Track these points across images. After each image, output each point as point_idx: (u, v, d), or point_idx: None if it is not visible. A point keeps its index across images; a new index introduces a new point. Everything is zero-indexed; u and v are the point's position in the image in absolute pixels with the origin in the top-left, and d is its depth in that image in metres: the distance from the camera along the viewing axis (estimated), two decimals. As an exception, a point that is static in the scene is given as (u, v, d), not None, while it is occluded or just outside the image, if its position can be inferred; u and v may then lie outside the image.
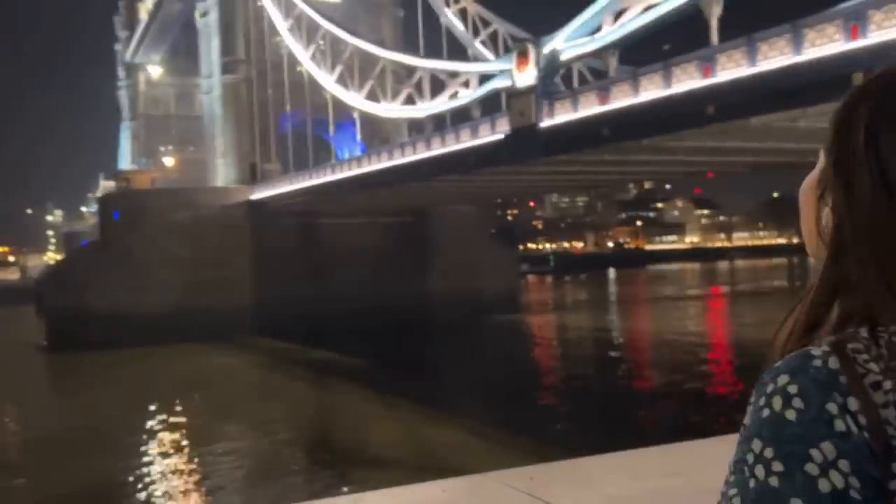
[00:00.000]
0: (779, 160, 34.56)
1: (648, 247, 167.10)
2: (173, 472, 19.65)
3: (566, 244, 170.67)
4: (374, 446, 21.05)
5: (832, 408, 0.66)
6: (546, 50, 32.01)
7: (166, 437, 23.37)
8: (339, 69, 51.48)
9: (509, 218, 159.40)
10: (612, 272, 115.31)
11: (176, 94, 74.31)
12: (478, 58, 45.37)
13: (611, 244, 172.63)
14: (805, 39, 21.44)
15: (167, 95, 74.34)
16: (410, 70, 46.13)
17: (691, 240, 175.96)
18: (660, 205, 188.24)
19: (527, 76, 32.19)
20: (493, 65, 38.32)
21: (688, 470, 1.66)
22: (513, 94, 32.93)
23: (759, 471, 0.66)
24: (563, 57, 31.83)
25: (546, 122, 30.70)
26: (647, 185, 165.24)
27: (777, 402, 0.68)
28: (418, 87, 44.79)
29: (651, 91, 26.11)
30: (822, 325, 0.74)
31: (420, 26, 53.14)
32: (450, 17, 49.92)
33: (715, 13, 25.69)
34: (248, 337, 45.57)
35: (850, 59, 20.04)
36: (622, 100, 27.24)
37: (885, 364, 0.66)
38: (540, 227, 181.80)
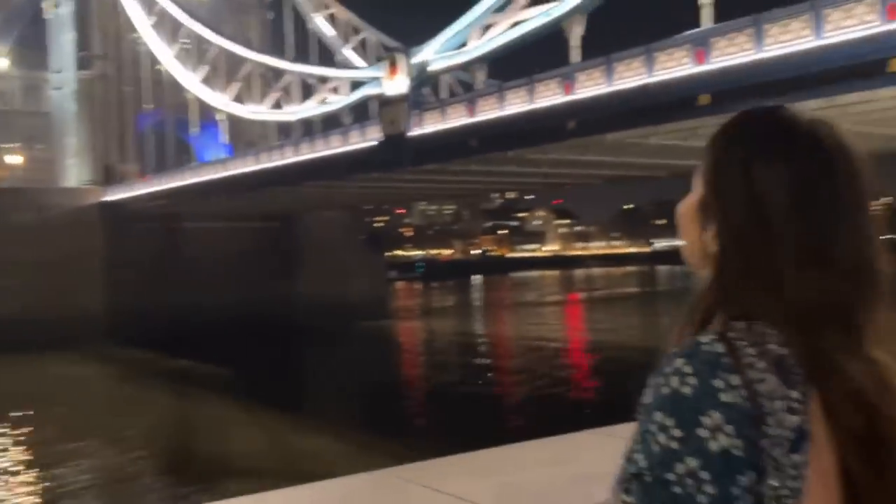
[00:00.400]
0: (631, 174, 36.77)
1: (511, 255, 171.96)
2: (14, 494, 18.33)
3: (434, 251, 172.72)
4: (240, 456, 20.58)
5: (719, 383, 0.81)
6: (416, 60, 32.55)
7: (6, 454, 21.74)
8: (204, 69, 49.92)
9: (378, 225, 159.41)
10: (477, 279, 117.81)
11: (22, 87, 69.33)
12: (347, 64, 45.34)
13: (476, 252, 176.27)
14: (657, 62, 23.03)
15: (13, 89, 69.21)
16: (278, 73, 45.45)
17: (551, 248, 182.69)
18: (522, 214, 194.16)
19: (397, 85, 32.59)
20: (364, 72, 38.49)
21: (566, 459, 1.93)
22: (384, 102, 33.24)
23: (662, 437, 0.82)
24: (433, 68, 32.48)
25: (416, 131, 31.20)
26: (510, 195, 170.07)
27: (675, 381, 0.83)
28: (286, 90, 44.22)
29: (516, 105, 27.14)
30: (710, 325, 0.93)
31: (288, 30, 52.45)
32: (319, 22, 49.60)
33: (576, 33, 27.08)
34: (101, 346, 43.14)
35: (697, 82, 21.75)
36: (489, 112, 28.14)
37: (758, 349, 0.84)
38: (408, 234, 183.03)
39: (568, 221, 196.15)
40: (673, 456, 0.80)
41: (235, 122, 50.56)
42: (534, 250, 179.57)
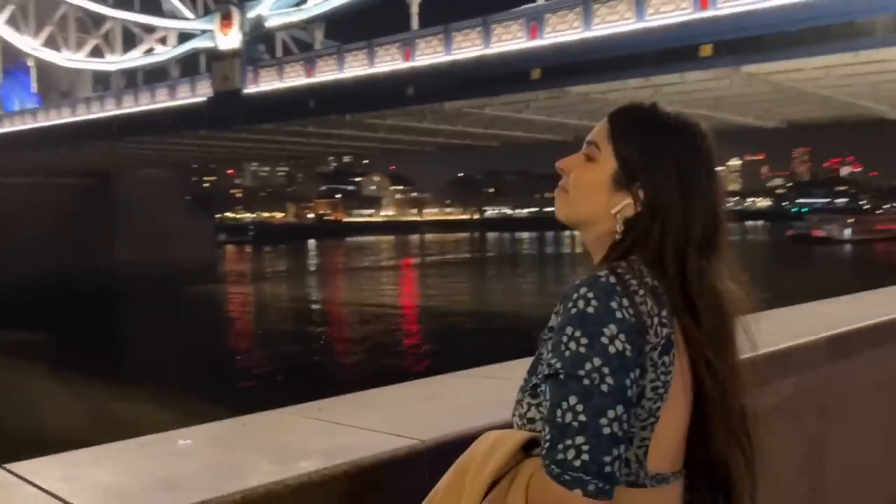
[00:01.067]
0: (466, 142, 37.71)
1: (347, 219, 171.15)
2: None
3: (266, 215, 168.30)
4: (58, 428, 19.39)
5: (614, 304, 1.06)
6: (251, 14, 31.38)
7: None
8: (9, 9, 45.27)
9: (206, 185, 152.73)
10: (312, 243, 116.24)
11: None
12: (174, 14, 42.80)
13: (311, 216, 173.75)
14: (493, 34, 23.70)
15: None
16: (98, 19, 42.11)
17: (387, 213, 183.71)
18: (358, 179, 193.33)
19: (231, 39, 31.30)
20: (194, 23, 36.54)
21: (442, 395, 2.12)
22: (215, 56, 31.82)
23: (572, 345, 1.05)
24: (269, 24, 31.47)
25: (251, 89, 30.20)
26: (346, 158, 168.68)
27: (581, 303, 1.07)
28: (107, 38, 41.14)
29: (356, 68, 26.97)
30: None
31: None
32: (143, -34, 46.39)
33: (416, 0, 27.21)
34: None
35: (530, 57, 22.63)
36: (328, 73, 27.76)
37: (638, 280, 1.10)
38: (239, 195, 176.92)
39: (403, 187, 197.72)
40: (582, 358, 1.04)
41: (46, 71, 46.40)
42: (370, 215, 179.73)
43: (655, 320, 1.10)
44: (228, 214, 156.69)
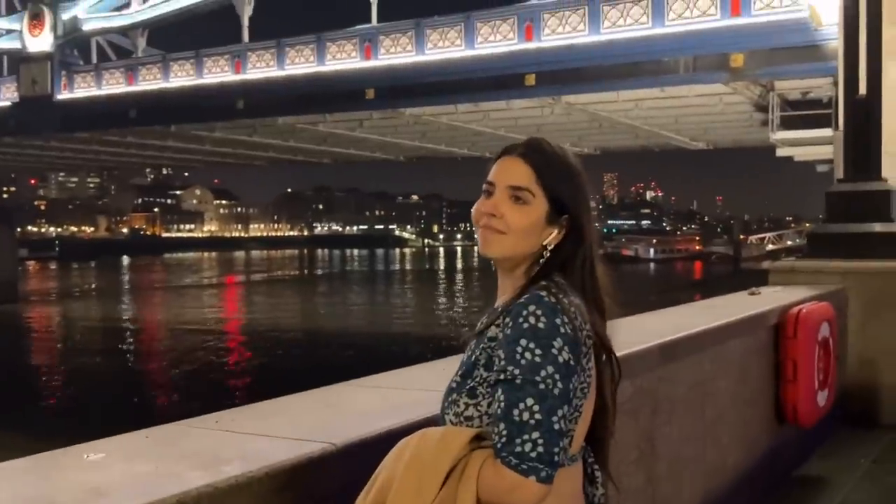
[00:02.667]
0: (298, 158, 37.28)
1: (166, 234, 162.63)
2: None
3: (74, 228, 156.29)
4: None
5: (558, 321, 1.25)
6: (66, 16, 29.34)
7: None
8: None
9: (5, 196, 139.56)
10: (126, 259, 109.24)
11: None
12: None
13: (125, 230, 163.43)
14: (328, 51, 23.74)
15: None
16: None
17: (210, 229, 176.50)
18: (178, 192, 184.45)
19: (41, 41, 29.07)
20: (-2, 21, 33.58)
21: (336, 403, 2.22)
22: (23, 59, 29.42)
23: (528, 355, 1.23)
24: (86, 27, 29.55)
25: (64, 95, 28.18)
26: (165, 170, 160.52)
27: (532, 319, 1.25)
28: None
29: (183, 78, 25.97)
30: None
31: None
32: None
33: (247, 12, 26.69)
34: None
35: (365, 76, 22.90)
36: (152, 82, 26.52)
37: (568, 299, 1.29)
38: (43, 207, 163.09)
39: (227, 202, 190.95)
40: (538, 366, 1.24)
41: None
42: (190, 231, 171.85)
43: (583, 332, 1.31)
44: (31, 228, 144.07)
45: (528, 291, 1.34)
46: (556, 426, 1.23)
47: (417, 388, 2.32)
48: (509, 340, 1.27)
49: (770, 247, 69.27)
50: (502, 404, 1.24)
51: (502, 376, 1.26)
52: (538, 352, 1.24)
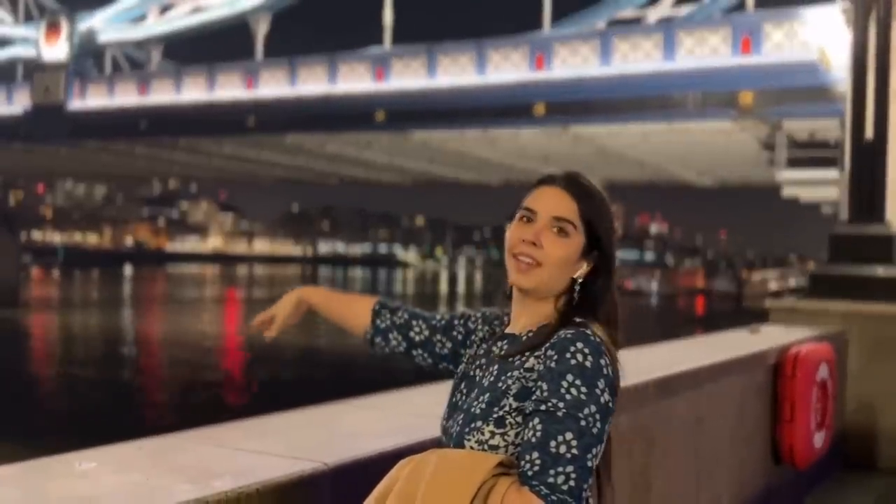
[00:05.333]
0: (304, 176, 37.48)
1: (170, 247, 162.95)
2: None
3: (79, 236, 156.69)
4: None
5: (603, 362, 1.25)
6: (82, 27, 29.68)
7: None
8: None
9: (11, 201, 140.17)
10: (128, 270, 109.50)
11: None
12: (-8, 16, 39.64)
13: (130, 241, 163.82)
14: (339, 72, 23.94)
15: None
16: None
17: (214, 243, 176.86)
18: (185, 205, 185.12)
19: (57, 51, 29.39)
20: (15, 29, 33.98)
21: (332, 423, 2.21)
22: (37, 67, 29.71)
23: (573, 391, 1.23)
24: (102, 39, 29.89)
25: (76, 104, 28.41)
26: (172, 183, 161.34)
27: (580, 357, 1.24)
28: None
29: (195, 92, 26.19)
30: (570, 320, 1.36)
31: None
32: (-43, -39, 42.62)
33: (261, 30, 26.97)
34: None
35: (375, 99, 23.06)
36: (164, 95, 26.74)
37: (606, 337, 1.29)
38: (49, 215, 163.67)
39: (232, 217, 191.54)
40: (582, 403, 1.24)
41: None
42: (195, 244, 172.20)
43: (619, 374, 1.32)
44: (36, 234, 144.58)
45: (565, 326, 1.34)
46: (589, 463, 1.24)
47: (412, 411, 2.32)
48: (555, 374, 1.27)
49: (773, 285, 69.14)
50: (539, 434, 1.25)
51: (543, 407, 1.26)
52: (584, 389, 1.24)
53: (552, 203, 1.40)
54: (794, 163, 20.16)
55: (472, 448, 1.34)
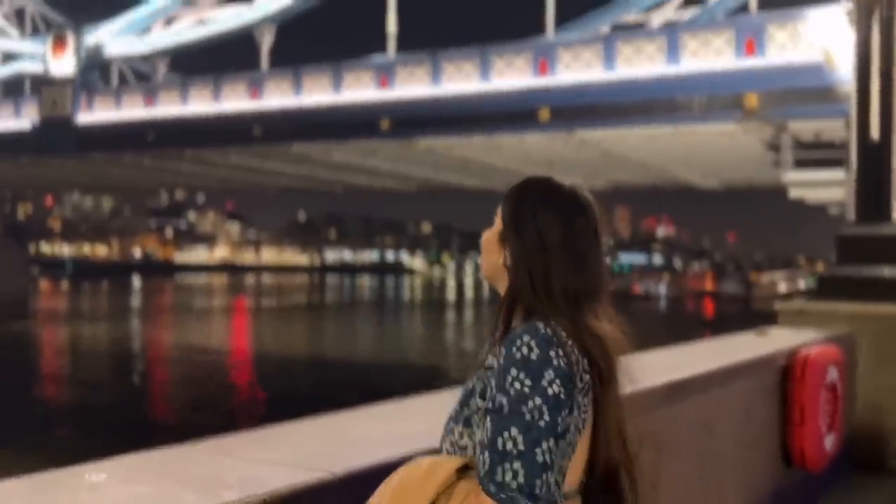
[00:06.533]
0: (310, 185, 37.57)
1: (178, 257, 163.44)
2: None
3: (87, 248, 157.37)
4: None
5: (552, 353, 1.24)
6: (89, 40, 29.87)
7: None
8: None
9: (20, 214, 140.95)
10: (137, 281, 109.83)
11: None
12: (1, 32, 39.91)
13: (138, 252, 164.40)
14: (344, 81, 24.02)
15: None
16: None
17: (221, 253, 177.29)
18: (192, 216, 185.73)
19: (64, 64, 29.57)
20: (22, 44, 34.24)
21: (341, 431, 2.22)
22: (45, 81, 29.90)
23: (517, 385, 1.22)
24: (109, 52, 30.07)
25: (84, 117, 28.58)
26: (179, 194, 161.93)
27: (525, 350, 1.24)
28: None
29: (201, 103, 26.31)
30: (514, 317, 1.37)
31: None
32: (-36, -23, 42.94)
33: (266, 41, 27.10)
34: None
35: (380, 107, 23.13)
36: (170, 106, 26.87)
37: (566, 333, 1.27)
38: (57, 227, 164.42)
39: (239, 226, 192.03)
40: (525, 397, 1.23)
41: None
42: (203, 254, 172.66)
43: (580, 367, 1.30)
44: (45, 247, 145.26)
45: (505, 322, 1.35)
46: (540, 458, 1.22)
47: (419, 419, 2.33)
48: (501, 370, 1.27)
49: (782, 287, 68.85)
50: (488, 433, 1.24)
51: (491, 405, 1.26)
52: (527, 382, 1.23)
53: None
54: (800, 164, 20.11)
55: (446, 450, 1.36)
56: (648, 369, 3.69)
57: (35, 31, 36.73)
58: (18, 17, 42.32)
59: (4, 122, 30.63)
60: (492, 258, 1.45)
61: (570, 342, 1.30)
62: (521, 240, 1.40)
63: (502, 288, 1.44)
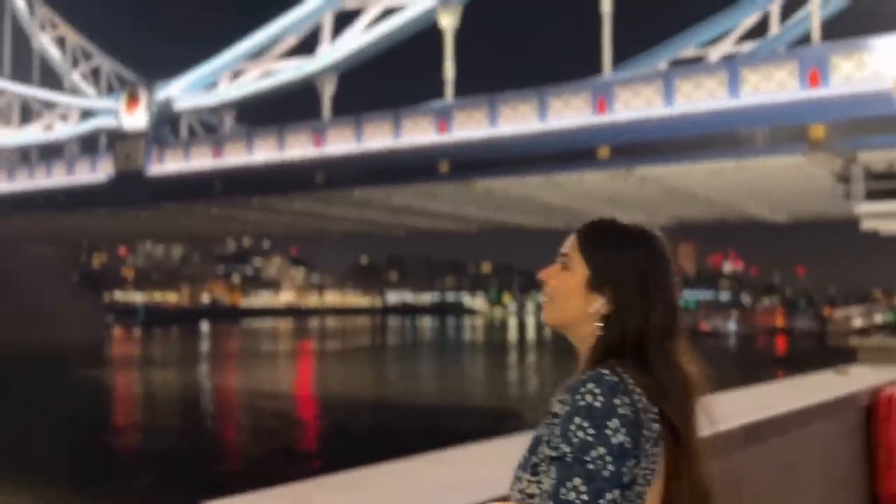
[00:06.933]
0: (371, 229, 38.06)
1: (244, 302, 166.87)
2: None
3: (158, 295, 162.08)
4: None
5: (617, 401, 1.22)
6: (160, 96, 31.20)
7: None
8: None
9: (95, 264, 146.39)
10: (205, 326, 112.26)
11: None
12: (76, 90, 42.00)
13: (206, 298, 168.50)
14: (404, 127, 24.44)
15: None
16: (-8, 92, 40.82)
17: (286, 297, 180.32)
18: (258, 261, 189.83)
19: (136, 119, 30.91)
20: (98, 102, 35.96)
21: (413, 479, 2.21)
22: (118, 136, 31.28)
23: (580, 433, 1.20)
24: (178, 106, 31.33)
25: (155, 169, 29.72)
26: (245, 241, 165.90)
27: (589, 397, 1.22)
28: (3, 111, 39.80)
29: (266, 152, 27.08)
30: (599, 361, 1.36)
31: (7, 47, 47.32)
32: (44, 42, 45.44)
33: (328, 91, 27.83)
34: None
35: (439, 150, 23.41)
36: (237, 156, 27.74)
37: (635, 379, 1.26)
38: (130, 276, 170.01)
39: (303, 271, 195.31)
40: (589, 445, 1.22)
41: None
42: (268, 299, 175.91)
43: (649, 415, 1.27)
44: (118, 294, 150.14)
45: (594, 369, 1.32)
46: None
47: (489, 465, 2.31)
48: (565, 418, 1.26)
49: (858, 322, 66.20)
50: (552, 481, 1.24)
51: (555, 454, 1.26)
52: (591, 431, 1.22)
53: (564, 244, 1.46)
54: (872, 195, 19.47)
55: (515, 497, 1.35)
56: (724, 410, 3.59)
57: (110, 89, 38.54)
58: (94, 76, 44.56)
59: (81, 176, 32.05)
60: (571, 305, 1.42)
61: (637, 390, 1.28)
62: (622, 287, 1.39)
63: (576, 334, 1.42)
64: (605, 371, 1.29)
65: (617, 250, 1.42)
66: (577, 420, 1.23)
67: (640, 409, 1.26)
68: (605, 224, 1.47)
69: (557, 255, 1.46)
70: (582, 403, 1.24)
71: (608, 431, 1.22)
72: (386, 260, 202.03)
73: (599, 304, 1.39)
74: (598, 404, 1.23)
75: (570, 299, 1.42)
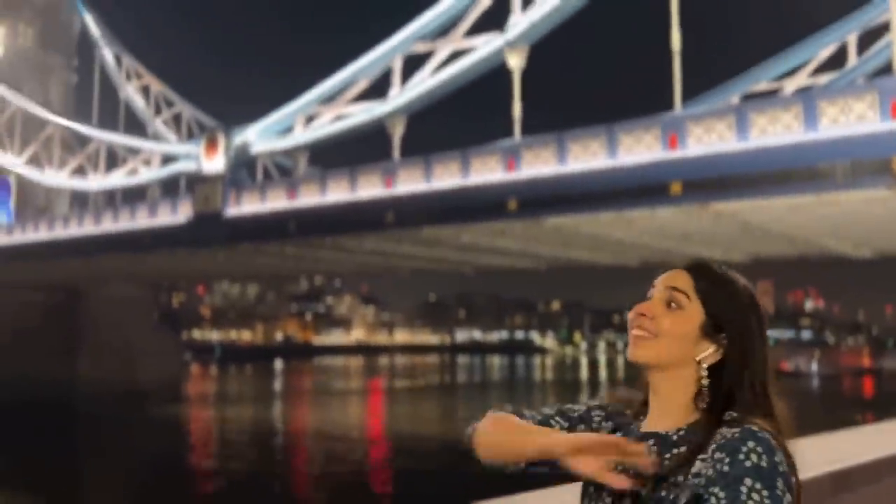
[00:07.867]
0: (440, 267, 38.26)
1: (317, 340, 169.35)
2: None
3: (234, 333, 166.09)
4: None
5: (778, 459, 1.20)
6: (237, 140, 32.35)
7: None
8: (-6, 126, 46.22)
9: (175, 304, 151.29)
10: (279, 364, 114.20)
11: None
12: (158, 136, 43.96)
13: (280, 336, 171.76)
14: (472, 166, 24.64)
15: None
16: (83, 139, 43.09)
17: (357, 335, 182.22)
18: (329, 300, 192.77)
19: (215, 163, 32.09)
20: (179, 147, 37.52)
21: None
22: (197, 179, 32.50)
23: (755, 496, 1.17)
24: (255, 150, 32.42)
25: (232, 211, 30.70)
26: (318, 279, 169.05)
27: (754, 457, 1.19)
28: (90, 158, 41.91)
29: (338, 193, 27.68)
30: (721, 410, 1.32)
31: (96, 96, 50.04)
32: (130, 91, 47.89)
33: (398, 132, 28.36)
34: None
35: (507, 188, 23.47)
36: (310, 198, 28.43)
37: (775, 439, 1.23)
38: (207, 314, 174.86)
39: (373, 309, 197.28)
40: None
41: (24, 186, 46.90)
42: (340, 336, 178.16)
43: (796, 471, 1.26)
44: (196, 333, 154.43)
45: (719, 423, 1.30)
46: None
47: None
48: (730, 479, 1.22)
49: (953, 363, 62.65)
50: None
51: None
52: (765, 493, 1.19)
53: (669, 277, 1.40)
54: (964, 228, 18.56)
55: None
56: (809, 456, 3.45)
57: (190, 135, 40.19)
58: (176, 122, 46.61)
59: (163, 218, 33.35)
60: (681, 348, 1.37)
61: (784, 447, 1.26)
62: (740, 336, 1.36)
63: (672, 378, 1.39)
64: (754, 427, 1.26)
65: (732, 297, 1.40)
66: (749, 482, 1.20)
67: (792, 465, 1.24)
68: (716, 267, 1.43)
69: (655, 290, 1.40)
70: (749, 464, 1.21)
71: (778, 492, 1.20)
72: (455, 298, 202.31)
73: (710, 352, 1.37)
74: (764, 464, 1.21)
75: (682, 343, 1.38)
